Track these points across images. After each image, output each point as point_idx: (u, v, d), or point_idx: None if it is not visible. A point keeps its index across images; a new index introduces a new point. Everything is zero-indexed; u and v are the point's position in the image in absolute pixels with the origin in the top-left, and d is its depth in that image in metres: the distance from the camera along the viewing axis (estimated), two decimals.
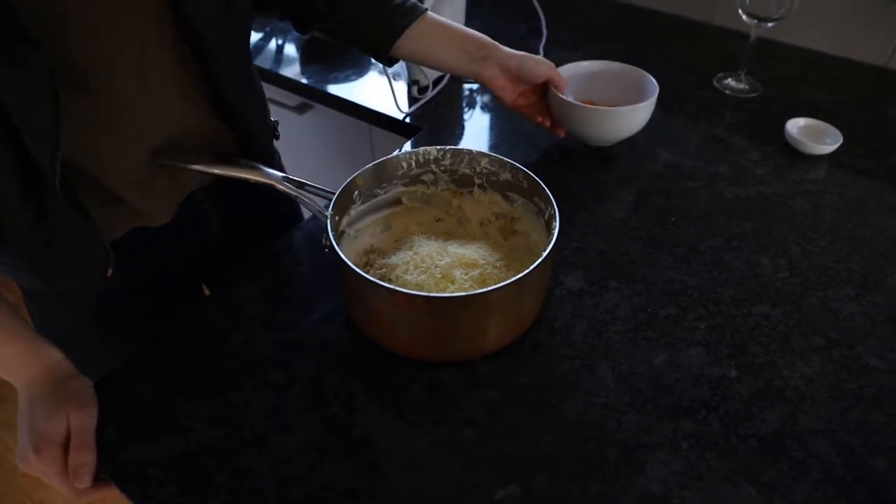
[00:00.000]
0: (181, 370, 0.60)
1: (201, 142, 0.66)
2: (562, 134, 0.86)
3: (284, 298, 0.67)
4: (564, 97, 0.80)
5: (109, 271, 0.61)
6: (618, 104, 0.81)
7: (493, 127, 0.96)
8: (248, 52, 0.69)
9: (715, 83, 1.04)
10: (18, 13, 0.44)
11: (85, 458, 0.52)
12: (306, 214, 0.85)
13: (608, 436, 0.55)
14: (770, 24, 0.94)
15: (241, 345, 0.62)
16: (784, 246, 0.74)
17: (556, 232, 0.58)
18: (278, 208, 0.88)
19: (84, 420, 0.54)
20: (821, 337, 0.64)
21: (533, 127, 0.93)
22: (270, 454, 0.53)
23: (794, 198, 0.81)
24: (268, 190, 0.64)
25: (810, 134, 0.90)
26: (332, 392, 0.58)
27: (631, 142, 0.90)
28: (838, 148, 0.87)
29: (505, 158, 0.67)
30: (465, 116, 0.99)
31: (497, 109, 0.99)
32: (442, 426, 0.55)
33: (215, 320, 0.65)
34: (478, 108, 1.00)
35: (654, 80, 0.83)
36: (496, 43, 0.78)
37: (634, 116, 0.81)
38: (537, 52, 1.10)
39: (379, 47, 0.76)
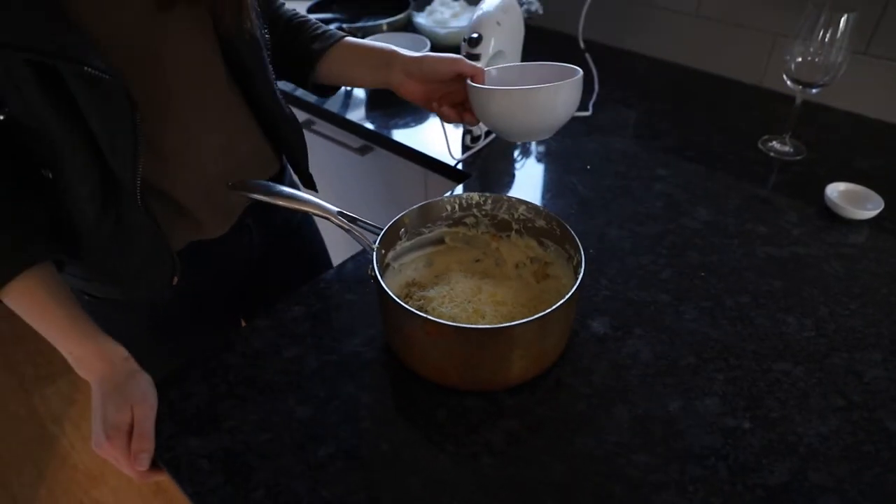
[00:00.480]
0: (235, 378, 0.67)
1: (255, 164, 0.78)
2: (468, 119, 0.79)
3: (332, 322, 0.74)
4: (474, 85, 0.74)
5: (175, 279, 0.70)
6: None
7: (539, 177, 1.02)
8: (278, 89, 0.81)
9: (760, 145, 1.07)
10: (99, 48, 0.55)
11: (143, 445, 0.60)
12: (348, 248, 0.92)
13: (618, 472, 0.58)
14: (814, 91, 0.97)
15: (290, 360, 0.69)
16: (812, 306, 0.76)
17: (580, 277, 0.62)
18: (309, 236, 0.99)
19: (145, 412, 0.62)
20: (841, 398, 0.65)
21: (576, 178, 0.99)
22: (306, 459, 0.59)
23: (829, 260, 0.83)
24: (301, 218, 0.73)
25: (850, 199, 0.91)
26: (367, 409, 0.64)
27: (671, 200, 0.94)
28: (880, 213, 0.88)
29: (540, 206, 0.73)
30: (516, 166, 1.05)
31: (546, 161, 1.05)
32: (463, 449, 0.60)
33: (270, 337, 0.72)
34: (526, 159, 1.06)
35: (580, 69, 0.75)
36: (398, 50, 0.80)
37: (549, 98, 0.71)
38: (586, 108, 1.17)
39: (303, 74, 0.84)
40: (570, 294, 0.61)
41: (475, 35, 1.00)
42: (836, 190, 0.92)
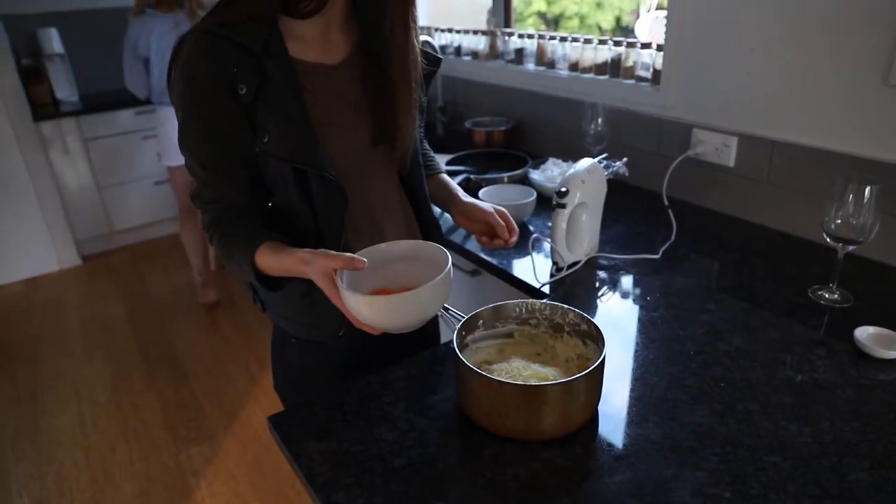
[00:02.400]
0: (347, 409, 0.94)
1: None
2: (497, 243, 1.11)
3: (422, 384, 1.00)
4: (343, 287, 0.84)
5: (342, 331, 1.06)
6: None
7: (605, 302, 1.25)
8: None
9: (810, 293, 1.22)
10: (332, 163, 0.97)
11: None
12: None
13: None
14: (851, 248, 1.14)
15: (386, 404, 0.95)
16: (815, 419, 0.89)
17: (597, 362, 0.84)
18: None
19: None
20: (819, 489, 0.78)
21: (636, 306, 1.20)
22: (385, 464, 0.83)
23: (845, 387, 0.96)
24: None
25: (879, 340, 1.04)
26: (434, 441, 0.88)
27: (712, 328, 1.12)
28: None
29: (584, 314, 0.96)
30: (589, 292, 1.29)
31: (613, 291, 1.28)
32: (497, 476, 0.81)
33: (377, 388, 0.99)
34: (598, 288, 1.30)
35: (448, 261, 0.89)
36: (457, 192, 1.14)
37: (397, 306, 0.84)
38: (656, 253, 1.39)
39: None
40: (590, 369, 0.83)
41: (564, 189, 1.30)
42: (865, 332, 1.06)
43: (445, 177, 1.25)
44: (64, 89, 3.84)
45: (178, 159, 2.82)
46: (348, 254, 0.88)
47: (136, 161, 3.88)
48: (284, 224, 1.02)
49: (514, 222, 1.13)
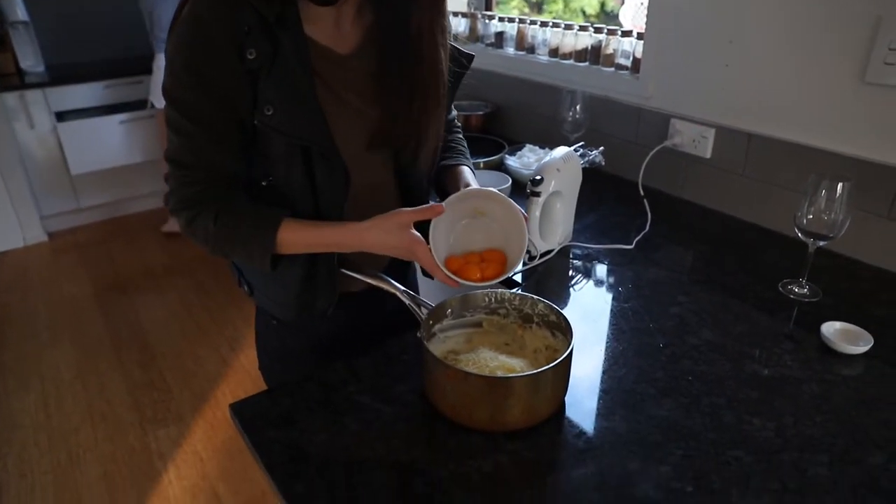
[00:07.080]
0: (311, 398, 0.92)
1: None
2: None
3: (389, 372, 0.98)
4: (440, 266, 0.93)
5: (330, 310, 1.04)
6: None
7: (578, 292, 1.24)
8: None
9: (780, 287, 1.22)
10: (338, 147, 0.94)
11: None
12: None
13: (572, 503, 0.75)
14: (822, 243, 1.14)
15: (351, 393, 0.94)
16: (779, 414, 0.90)
17: (564, 355, 0.83)
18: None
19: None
20: (779, 483, 0.78)
21: (608, 297, 1.20)
22: (348, 455, 0.82)
23: (810, 383, 0.96)
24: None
25: (844, 336, 1.04)
26: (398, 432, 0.86)
27: (682, 321, 1.12)
28: (868, 351, 1.01)
29: (553, 305, 0.95)
30: (562, 282, 1.28)
31: (586, 281, 1.27)
32: (460, 468, 0.80)
33: (343, 376, 0.97)
34: (571, 278, 1.29)
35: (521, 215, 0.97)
36: (470, 186, 1.08)
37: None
38: (629, 243, 1.39)
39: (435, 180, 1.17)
40: (556, 361, 0.82)
41: (538, 177, 1.28)
42: (832, 327, 1.06)
43: (464, 169, 1.16)
44: (28, 59, 3.71)
45: None
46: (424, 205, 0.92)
47: (108, 140, 3.77)
48: (279, 205, 0.96)
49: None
